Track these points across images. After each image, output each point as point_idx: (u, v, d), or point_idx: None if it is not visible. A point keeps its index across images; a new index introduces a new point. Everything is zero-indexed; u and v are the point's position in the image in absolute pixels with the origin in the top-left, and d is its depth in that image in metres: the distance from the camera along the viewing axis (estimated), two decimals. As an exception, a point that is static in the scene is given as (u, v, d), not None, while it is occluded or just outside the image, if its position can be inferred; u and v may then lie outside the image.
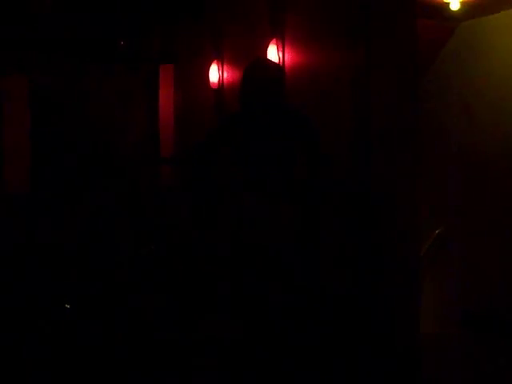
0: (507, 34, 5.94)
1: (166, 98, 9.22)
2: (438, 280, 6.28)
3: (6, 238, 7.51)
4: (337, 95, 5.42)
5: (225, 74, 7.70)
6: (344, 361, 5.12)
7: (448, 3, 5.80)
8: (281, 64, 6.05)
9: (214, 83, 7.82)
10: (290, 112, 4.49)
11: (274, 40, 6.16)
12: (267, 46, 6.18)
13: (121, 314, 6.25)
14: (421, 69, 5.63)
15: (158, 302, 7.39)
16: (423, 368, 5.07)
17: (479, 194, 6.14)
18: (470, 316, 6.11)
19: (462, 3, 5.79)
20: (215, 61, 7.78)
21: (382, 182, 5.05)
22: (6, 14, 8.34)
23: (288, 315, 4.59)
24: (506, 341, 5.62)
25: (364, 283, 5.23)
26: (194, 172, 4.87)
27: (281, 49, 6.14)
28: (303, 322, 4.60)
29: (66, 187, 8.59)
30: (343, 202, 5.30)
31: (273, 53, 6.13)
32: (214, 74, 7.79)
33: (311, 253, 4.65)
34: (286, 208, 4.45)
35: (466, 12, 6.02)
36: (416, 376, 4.95)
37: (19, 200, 8.13)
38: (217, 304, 6.80)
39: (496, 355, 5.37)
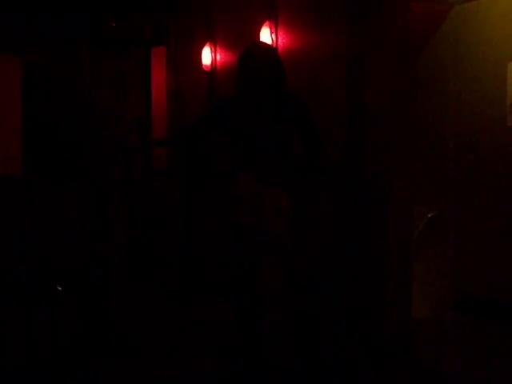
0: (501, 19, 5.92)
1: (159, 80, 9.19)
2: (431, 264, 6.28)
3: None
4: (331, 78, 5.41)
5: (218, 57, 7.67)
6: (332, 347, 5.13)
7: (442, -14, 5.79)
8: (274, 46, 6.03)
9: (206, 66, 7.78)
10: (285, 96, 4.48)
11: (267, 22, 6.14)
12: (260, 29, 6.16)
13: (112, 297, 6.24)
14: (414, 53, 5.62)
15: (150, 285, 7.39)
16: (416, 353, 5.07)
17: (473, 178, 6.13)
18: (464, 300, 6.12)
19: (456, -14, 5.78)
20: (208, 43, 7.75)
21: (375, 166, 5.05)
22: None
23: (279, 295, 4.61)
24: (500, 324, 5.62)
25: (354, 266, 5.24)
26: (188, 146, 4.86)
27: (274, 31, 6.12)
28: (293, 303, 4.61)
29: (58, 169, 8.56)
30: (336, 184, 5.30)
31: (266, 35, 6.11)
32: (207, 56, 7.75)
33: (304, 234, 4.66)
34: (281, 189, 4.45)
35: (460, -5, 6.01)
36: (407, 362, 4.95)
37: (11, 181, 8.10)
38: (209, 286, 6.81)
39: (491, 339, 5.38)
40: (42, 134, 8.66)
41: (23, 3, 8.48)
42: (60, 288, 5.64)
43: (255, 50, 4.56)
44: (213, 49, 7.70)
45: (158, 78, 9.16)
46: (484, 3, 6.07)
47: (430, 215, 6.42)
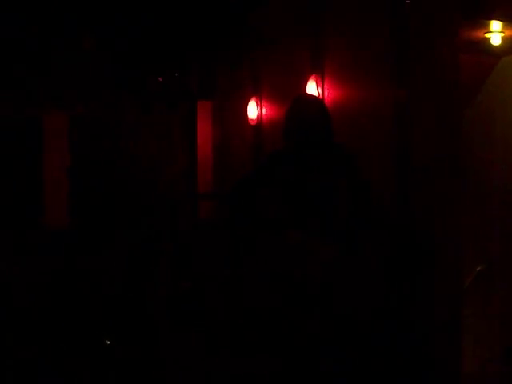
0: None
1: (204, 134, 9.25)
2: (480, 317, 6.19)
3: (46, 272, 7.55)
4: (377, 131, 5.40)
5: (263, 111, 7.70)
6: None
7: (489, 38, 5.76)
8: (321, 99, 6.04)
9: (252, 119, 7.81)
10: (334, 148, 4.47)
11: (313, 76, 6.16)
12: (306, 82, 6.18)
13: (158, 351, 6.22)
14: (462, 104, 5.59)
15: (195, 338, 7.36)
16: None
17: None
18: (512, 353, 6.02)
19: (503, 38, 5.75)
20: (254, 97, 7.79)
21: (423, 219, 5.00)
22: (49, 52, 8.46)
23: (328, 353, 4.54)
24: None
25: (404, 320, 5.17)
26: (234, 210, 4.85)
27: (320, 85, 6.13)
28: (343, 360, 4.55)
29: (105, 223, 8.62)
30: (384, 237, 5.25)
31: (312, 89, 6.13)
32: (253, 110, 7.78)
33: (353, 290, 4.61)
34: (329, 243, 4.42)
35: (508, 47, 5.98)
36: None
37: (59, 235, 8.17)
38: (254, 340, 6.76)
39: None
40: (89, 187, 8.75)
41: (69, 59, 8.63)
42: (108, 342, 5.64)
43: (303, 102, 4.57)
44: (259, 102, 7.74)
45: (204, 131, 9.23)
46: (531, 55, 6.07)
47: (478, 268, 6.35)
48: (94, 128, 9.00)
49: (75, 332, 6.15)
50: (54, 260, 7.71)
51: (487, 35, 5.74)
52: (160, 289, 6.68)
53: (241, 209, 4.76)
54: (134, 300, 6.61)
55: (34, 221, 8.41)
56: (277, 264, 4.55)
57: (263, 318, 6.39)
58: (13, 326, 6.55)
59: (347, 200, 4.49)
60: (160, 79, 9.08)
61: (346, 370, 4.54)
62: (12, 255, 7.54)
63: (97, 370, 5.50)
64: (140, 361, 5.85)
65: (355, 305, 4.74)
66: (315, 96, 5.72)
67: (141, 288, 6.68)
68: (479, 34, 5.73)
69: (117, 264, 7.47)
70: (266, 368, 5.67)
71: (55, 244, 8.04)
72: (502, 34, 5.72)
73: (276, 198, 4.53)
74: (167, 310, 6.52)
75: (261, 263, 5.81)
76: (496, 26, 5.56)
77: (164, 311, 6.45)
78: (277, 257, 4.54)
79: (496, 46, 5.89)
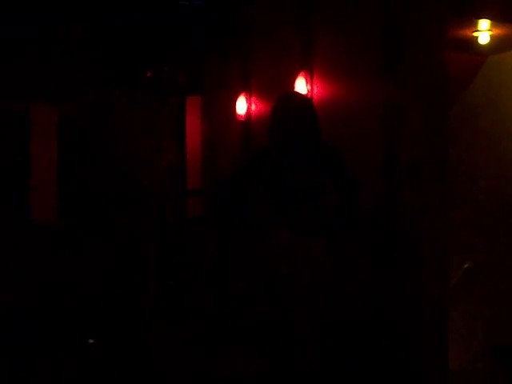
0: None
1: (193, 129, 9.23)
2: (467, 315, 6.20)
3: (32, 267, 7.54)
4: (366, 128, 5.40)
5: (253, 106, 7.69)
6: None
7: (477, 37, 5.77)
8: (309, 97, 6.04)
9: (241, 115, 7.80)
10: (321, 146, 4.46)
11: (302, 73, 6.16)
12: (295, 79, 6.18)
13: (144, 348, 6.22)
14: (449, 102, 5.60)
15: (181, 335, 7.36)
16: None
17: (509, 229, 6.08)
18: (502, 352, 6.03)
19: (491, 36, 5.76)
20: (243, 93, 7.78)
21: (411, 217, 5.01)
22: (36, 45, 8.44)
23: (314, 351, 4.54)
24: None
25: (390, 319, 5.18)
26: (222, 209, 4.85)
27: (309, 82, 6.14)
28: (328, 358, 4.55)
29: (92, 217, 8.60)
30: (371, 235, 5.26)
31: (301, 85, 6.13)
32: (242, 105, 7.78)
33: (338, 285, 4.62)
34: (316, 242, 4.42)
35: (496, 46, 5.99)
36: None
37: (46, 229, 8.16)
38: (240, 337, 6.77)
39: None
40: (77, 182, 8.74)
41: (60, 54, 8.61)
42: (92, 341, 5.63)
43: (289, 100, 4.56)
44: (248, 98, 7.73)
45: (193, 126, 9.21)
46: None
47: (466, 265, 6.36)
48: (83, 123, 8.98)
49: (59, 329, 6.14)
50: (39, 255, 7.69)
51: (475, 34, 5.74)
52: (146, 286, 6.68)
53: (228, 208, 4.75)
54: (120, 297, 6.60)
55: (21, 216, 8.39)
56: (264, 263, 4.54)
57: (251, 317, 6.40)
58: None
59: (334, 199, 4.48)
60: (149, 74, 9.07)
61: (333, 370, 4.54)
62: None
63: (81, 369, 5.49)
64: (125, 358, 5.85)
65: (343, 304, 4.75)
66: (301, 94, 5.72)
67: (127, 285, 6.67)
68: (467, 32, 5.73)
69: (103, 261, 7.47)
70: (252, 367, 5.68)
71: (42, 239, 8.03)
72: (490, 33, 5.72)
73: (262, 197, 4.53)
74: (153, 308, 6.52)
75: (248, 262, 5.82)
76: (484, 24, 5.57)
77: (150, 309, 6.45)
78: (264, 256, 4.53)
79: (484, 45, 5.89)
